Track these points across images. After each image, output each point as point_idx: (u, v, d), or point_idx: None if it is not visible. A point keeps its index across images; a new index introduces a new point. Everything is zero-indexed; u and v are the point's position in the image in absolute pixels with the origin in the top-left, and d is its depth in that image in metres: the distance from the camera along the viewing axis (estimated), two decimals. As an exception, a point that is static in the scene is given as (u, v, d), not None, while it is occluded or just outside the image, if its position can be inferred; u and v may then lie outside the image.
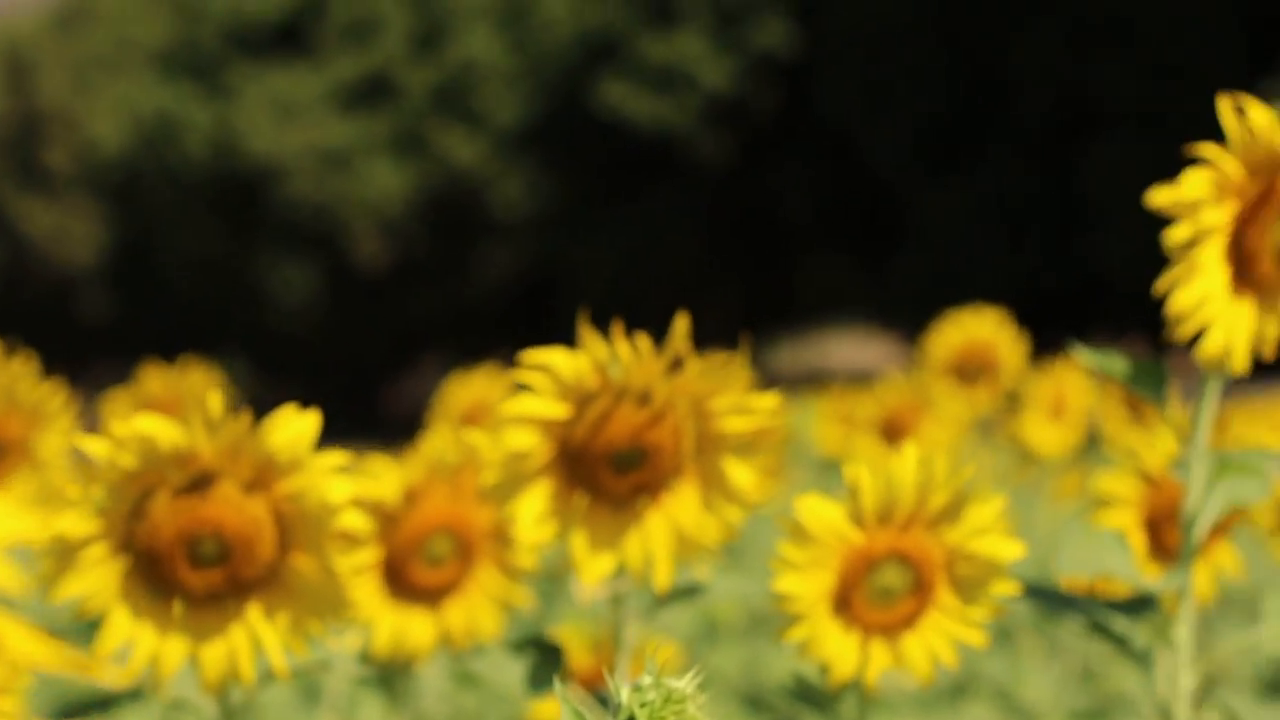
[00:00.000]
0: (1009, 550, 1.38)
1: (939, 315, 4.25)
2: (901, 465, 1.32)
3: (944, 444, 3.81)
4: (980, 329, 3.94)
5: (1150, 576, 1.67)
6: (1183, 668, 1.51)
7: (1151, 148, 22.62)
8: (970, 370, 3.95)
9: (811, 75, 31.65)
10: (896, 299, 29.03)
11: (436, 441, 1.70)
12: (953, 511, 1.38)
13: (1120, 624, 1.52)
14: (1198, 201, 1.28)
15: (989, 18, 28.26)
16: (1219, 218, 1.30)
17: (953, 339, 3.88)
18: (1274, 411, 6.67)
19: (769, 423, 1.41)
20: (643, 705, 0.88)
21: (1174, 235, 1.30)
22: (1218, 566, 2.02)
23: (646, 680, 0.90)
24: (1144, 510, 1.82)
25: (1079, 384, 4.26)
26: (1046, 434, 4.19)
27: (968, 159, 29.41)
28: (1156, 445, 1.83)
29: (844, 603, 1.43)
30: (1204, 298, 1.32)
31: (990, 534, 1.37)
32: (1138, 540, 1.82)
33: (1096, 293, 25.14)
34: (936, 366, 3.94)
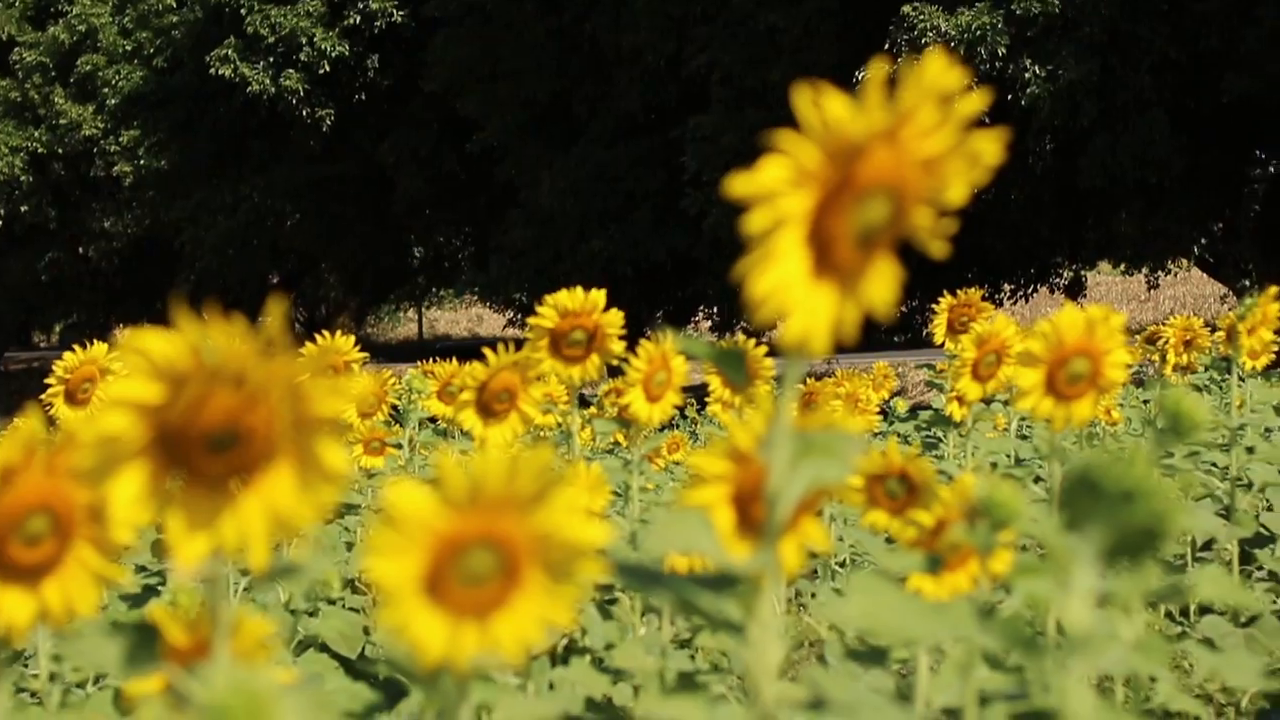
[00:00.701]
0: (596, 534, 1.39)
1: (548, 288, 4.32)
2: (491, 449, 1.32)
3: (545, 418, 3.85)
4: (585, 302, 4.00)
5: (738, 553, 1.70)
6: (769, 640, 1.54)
7: (749, 121, 23.38)
8: (574, 342, 4.02)
9: (424, 47, 31.63)
10: (507, 271, 29.30)
11: (33, 418, 1.65)
12: (541, 495, 1.38)
13: (707, 599, 1.54)
14: (775, 190, 1.30)
15: (594, -8, 28.64)
16: (797, 205, 1.32)
17: (557, 310, 3.94)
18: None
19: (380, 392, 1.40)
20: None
21: (752, 222, 1.32)
22: (806, 541, 2.09)
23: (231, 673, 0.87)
24: (733, 487, 1.86)
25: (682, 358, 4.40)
26: (649, 407, 4.28)
27: (574, 133, 29.78)
28: (749, 424, 1.87)
29: (434, 586, 1.42)
30: (782, 283, 1.34)
31: (578, 517, 1.37)
32: (725, 517, 1.85)
33: (707, 262, 25.85)
34: (541, 338, 3.98)
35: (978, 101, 1.48)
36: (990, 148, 1.53)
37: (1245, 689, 2.24)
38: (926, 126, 1.48)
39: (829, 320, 1.42)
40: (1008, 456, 5.19)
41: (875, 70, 1.45)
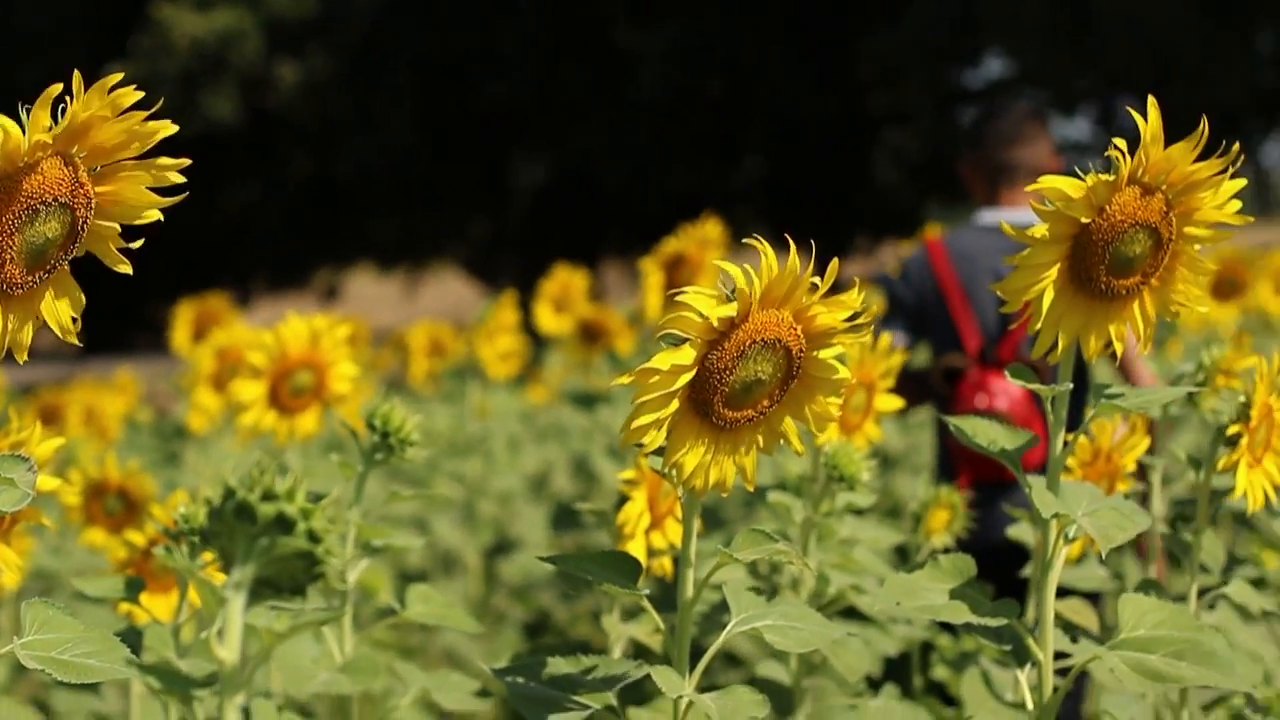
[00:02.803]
0: None
1: None
2: None
3: None
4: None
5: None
6: None
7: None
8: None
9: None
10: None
11: None
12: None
13: None
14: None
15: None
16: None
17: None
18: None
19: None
20: None
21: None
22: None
23: None
24: None
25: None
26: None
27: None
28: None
29: None
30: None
31: None
32: None
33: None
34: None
35: (166, 127, 1.46)
36: (172, 168, 1.50)
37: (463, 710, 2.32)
38: (104, 142, 1.44)
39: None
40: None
41: (113, 77, 1.41)
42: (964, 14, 20.02)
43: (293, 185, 23.69)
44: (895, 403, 2.63)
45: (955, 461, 4.26)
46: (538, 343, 7.73)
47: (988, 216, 4.42)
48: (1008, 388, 4.15)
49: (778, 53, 22.01)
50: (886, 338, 2.59)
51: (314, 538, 1.13)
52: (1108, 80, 20.10)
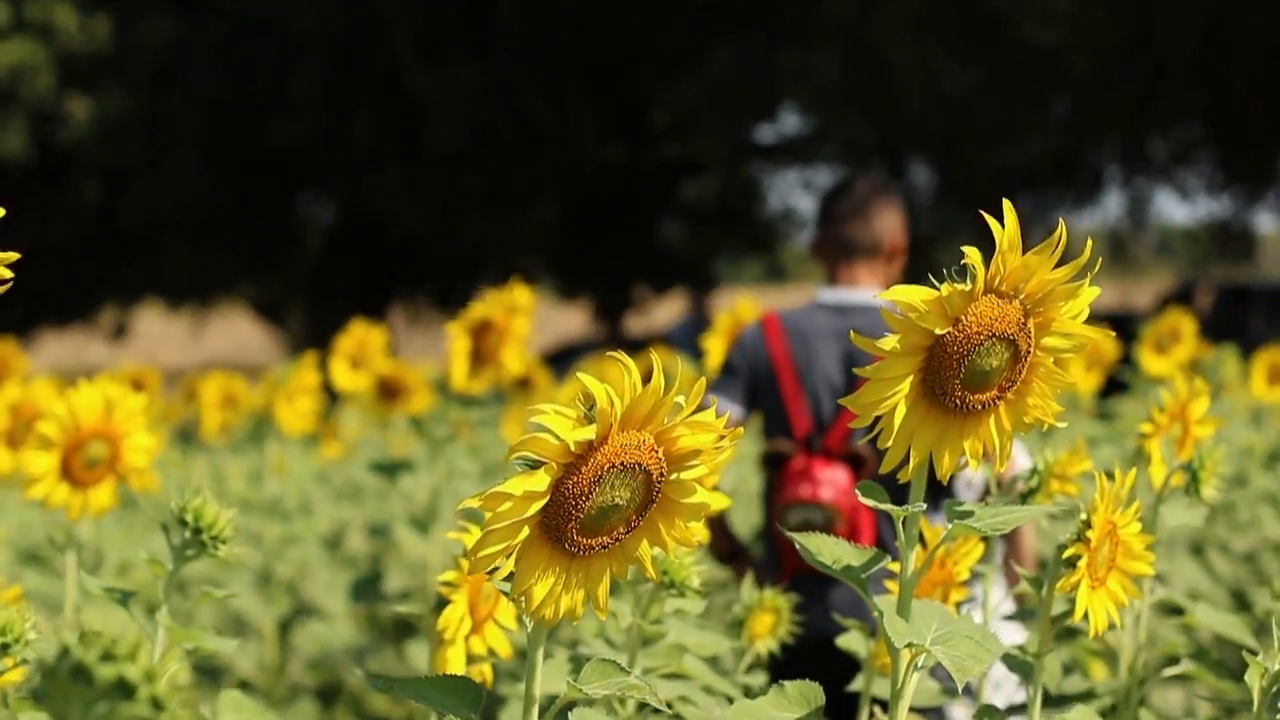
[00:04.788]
0: None
1: None
2: None
3: None
4: None
5: None
6: None
7: None
8: None
9: None
10: None
11: None
12: None
13: None
14: None
15: None
16: None
17: None
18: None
19: None
20: None
21: None
22: None
23: None
24: None
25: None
26: None
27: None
28: None
29: None
30: None
31: None
32: None
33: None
34: None
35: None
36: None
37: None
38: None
39: None
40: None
41: None
42: (761, 67, 20.26)
43: (83, 221, 23.17)
44: (723, 501, 2.54)
45: (782, 549, 4.13)
46: (332, 397, 7.56)
47: (827, 295, 4.29)
48: (834, 477, 4.00)
49: (570, 100, 22.08)
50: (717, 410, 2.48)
51: (157, 704, 1.01)
52: (902, 138, 20.48)
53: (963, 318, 1.65)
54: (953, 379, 1.68)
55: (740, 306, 5.62)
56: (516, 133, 21.81)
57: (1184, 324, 5.81)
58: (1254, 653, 2.07)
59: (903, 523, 1.79)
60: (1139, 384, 5.73)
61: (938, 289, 1.65)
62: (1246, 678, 1.98)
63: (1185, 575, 4.74)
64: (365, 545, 6.43)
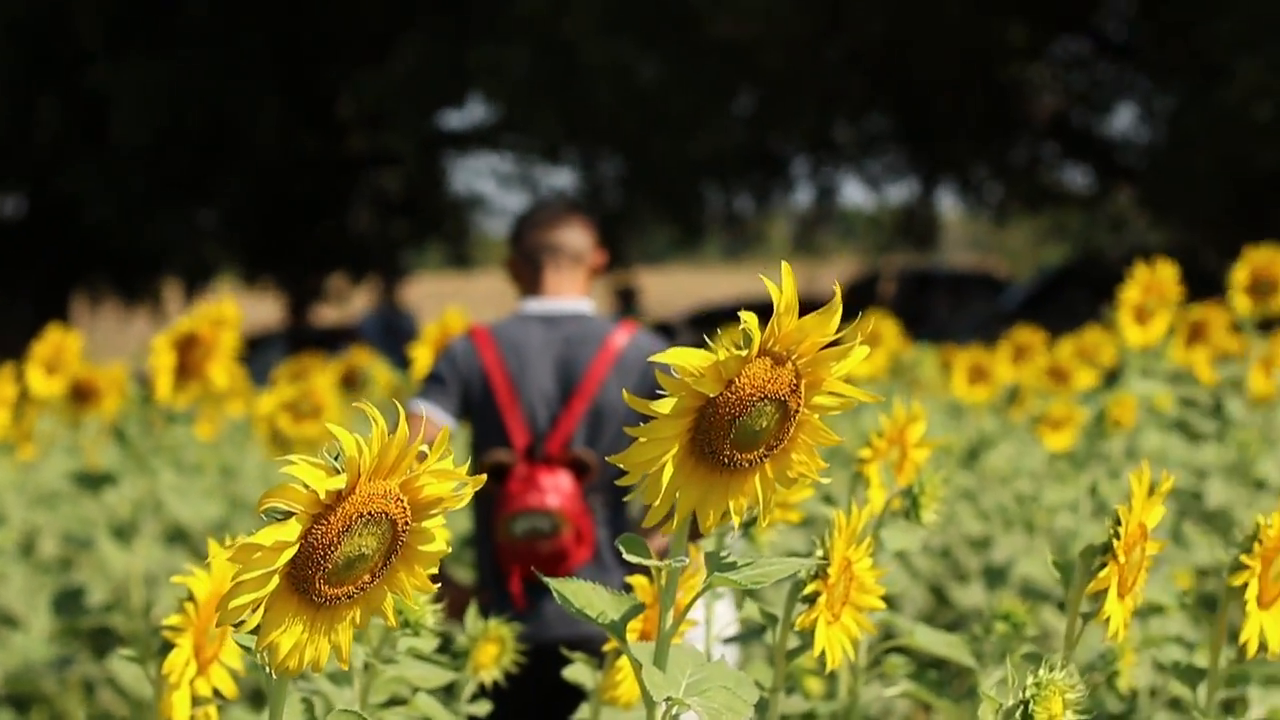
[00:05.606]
0: None
1: None
2: None
3: None
4: None
5: None
6: None
7: None
8: None
9: None
10: None
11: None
12: None
13: None
14: None
15: None
16: None
17: None
18: None
19: None
20: None
21: None
22: None
23: None
24: None
25: None
26: None
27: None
28: None
29: None
30: None
31: None
32: None
33: None
34: None
35: None
36: None
37: None
38: None
39: None
40: None
41: None
42: (450, 59, 20.14)
43: None
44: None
45: (503, 560, 4.14)
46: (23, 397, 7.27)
47: (533, 305, 4.33)
48: (558, 484, 4.06)
49: (258, 91, 21.62)
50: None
51: None
52: (592, 131, 20.61)
53: (736, 380, 1.64)
54: (723, 439, 1.67)
55: (448, 317, 5.57)
56: (205, 126, 21.27)
57: (883, 326, 5.96)
58: (970, 669, 2.12)
59: (662, 576, 1.78)
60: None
61: (713, 352, 1.64)
62: (980, 713, 2.02)
63: (886, 574, 4.86)
64: (59, 550, 6.25)
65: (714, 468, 1.71)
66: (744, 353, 1.63)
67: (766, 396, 1.65)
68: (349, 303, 27.09)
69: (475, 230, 30.56)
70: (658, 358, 1.64)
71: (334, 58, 22.97)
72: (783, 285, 1.61)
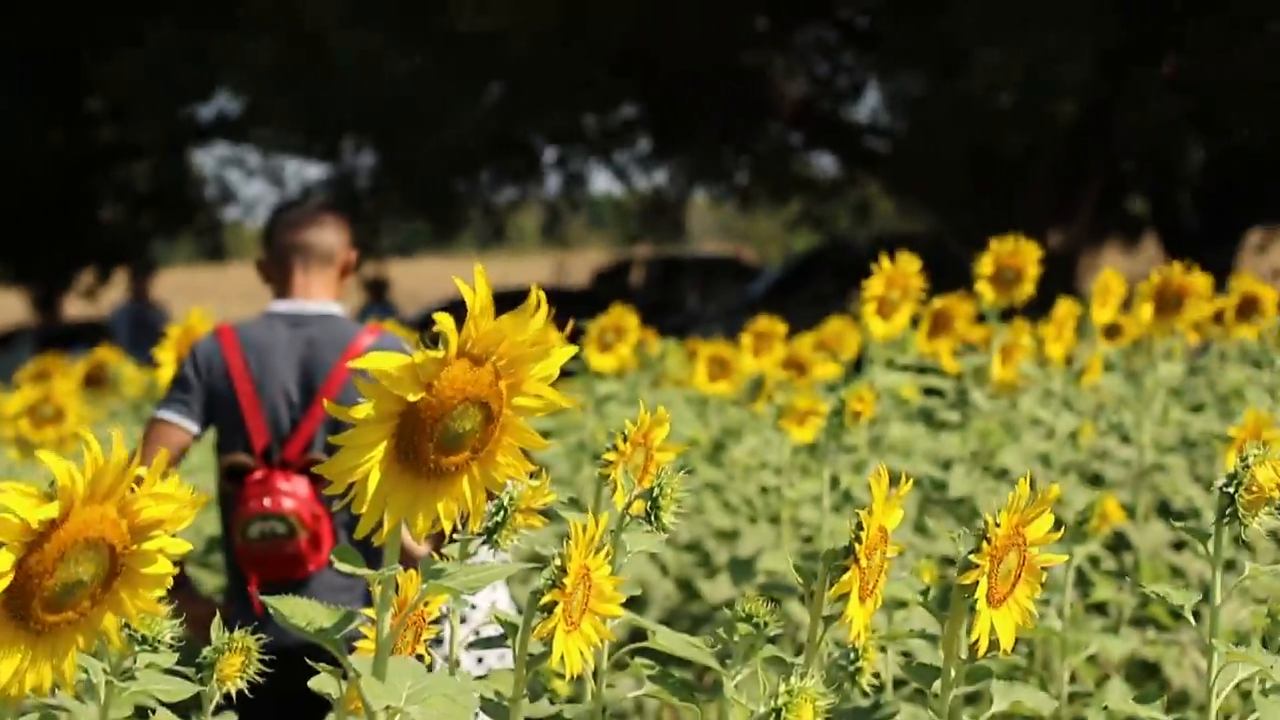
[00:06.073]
0: None
1: None
2: None
3: None
4: None
5: None
6: None
7: None
8: None
9: None
10: None
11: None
12: None
13: None
14: None
15: None
16: None
17: None
18: None
19: None
20: None
21: None
22: None
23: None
24: None
25: None
26: None
27: None
28: None
29: None
30: None
31: None
32: None
33: None
34: None
35: None
36: None
37: None
38: None
39: None
40: None
41: None
42: (196, 49, 19.67)
43: None
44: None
45: (243, 564, 4.09)
46: None
47: (280, 305, 4.27)
48: (295, 488, 4.02)
49: (4, 85, 20.90)
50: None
51: None
52: (340, 122, 20.31)
53: (435, 383, 1.61)
54: (426, 443, 1.65)
55: (192, 317, 5.44)
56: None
57: (626, 319, 5.96)
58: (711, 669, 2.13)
59: (378, 585, 1.75)
60: (587, 381, 5.83)
61: (411, 356, 1.61)
62: (731, 720, 2.02)
63: (634, 567, 4.86)
64: None
65: (420, 473, 1.68)
66: (441, 354, 1.60)
67: (468, 398, 1.63)
68: (99, 297, 26.42)
69: (228, 222, 30.04)
70: (355, 364, 1.61)
71: (83, 49, 22.28)
72: (476, 286, 1.59)
